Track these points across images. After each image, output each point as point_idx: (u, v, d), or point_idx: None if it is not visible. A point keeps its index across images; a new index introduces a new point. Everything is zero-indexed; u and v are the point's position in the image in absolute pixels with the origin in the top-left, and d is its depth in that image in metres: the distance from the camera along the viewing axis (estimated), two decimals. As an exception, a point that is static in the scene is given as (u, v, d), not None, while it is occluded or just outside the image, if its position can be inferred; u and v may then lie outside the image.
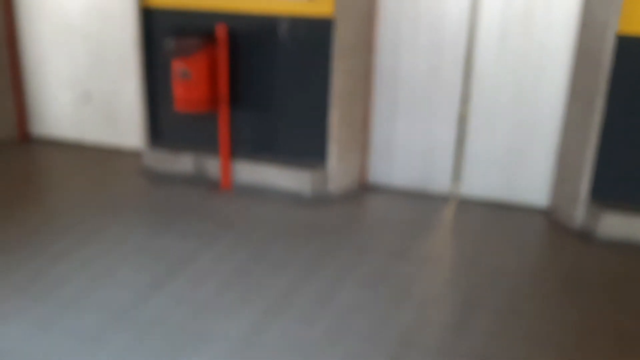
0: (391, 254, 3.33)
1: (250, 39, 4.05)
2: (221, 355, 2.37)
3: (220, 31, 3.89)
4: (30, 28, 5.01)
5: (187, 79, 3.89)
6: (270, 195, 4.12)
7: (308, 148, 4.15)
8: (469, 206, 4.10)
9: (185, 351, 2.40)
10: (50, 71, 5.05)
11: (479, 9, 3.85)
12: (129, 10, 4.55)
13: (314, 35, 3.89)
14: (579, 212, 3.68)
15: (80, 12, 4.81)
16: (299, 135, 4.16)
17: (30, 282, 2.87)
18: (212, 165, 4.26)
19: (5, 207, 3.77)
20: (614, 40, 3.37)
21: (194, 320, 2.61)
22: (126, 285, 2.89)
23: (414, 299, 2.85)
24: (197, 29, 4.02)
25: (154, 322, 2.59)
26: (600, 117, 3.51)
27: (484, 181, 4.14)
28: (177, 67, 3.89)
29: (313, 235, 3.53)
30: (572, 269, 3.23)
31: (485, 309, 2.80)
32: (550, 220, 3.88)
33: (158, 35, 4.19)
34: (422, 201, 4.15)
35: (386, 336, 2.54)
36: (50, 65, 5.03)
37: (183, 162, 4.34)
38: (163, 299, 2.78)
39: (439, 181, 4.23)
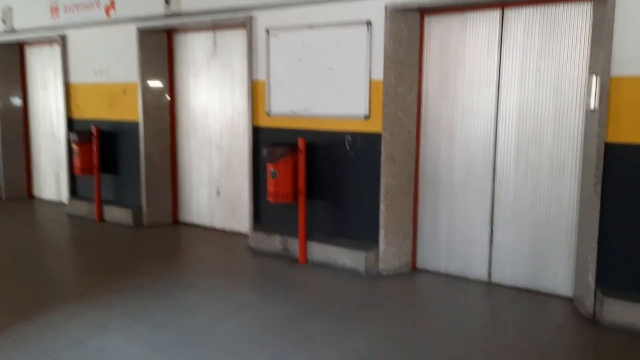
0: (406, 323, 4.10)
1: (323, 148, 5.32)
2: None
3: (301, 143, 5.22)
4: (183, 141, 6.93)
5: (276, 178, 5.24)
6: (334, 270, 5.14)
7: (365, 234, 5.15)
8: (501, 291, 4.67)
9: None
10: (195, 173, 6.86)
11: (499, 130, 4.69)
12: (247, 128, 6.17)
13: (369, 146, 5.03)
14: (589, 300, 4.09)
15: (218, 130, 6.59)
16: (358, 223, 5.20)
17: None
18: (294, 245, 5.44)
19: (152, 261, 5.32)
20: (603, 147, 3.97)
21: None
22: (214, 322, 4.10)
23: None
24: (286, 141, 5.41)
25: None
26: (599, 215, 4.02)
27: (514, 270, 4.70)
28: (269, 168, 5.27)
29: (354, 304, 4.45)
30: (573, 348, 3.69)
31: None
32: (572, 308, 4.29)
33: (262, 146, 5.68)
34: (459, 284, 4.82)
35: (362, 366, 3.35)
36: (195, 169, 6.85)
37: (274, 242, 5.60)
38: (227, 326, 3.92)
39: (476, 268, 4.88)
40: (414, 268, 5.22)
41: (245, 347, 3.61)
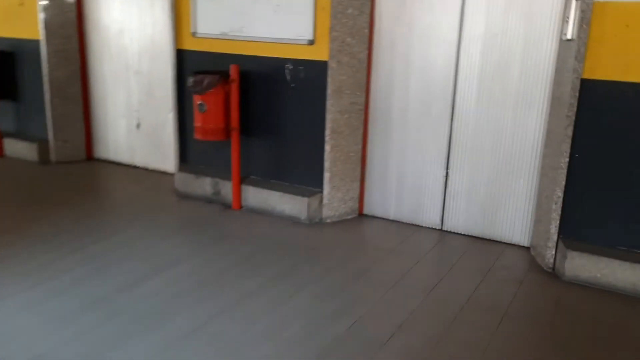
0: (353, 274, 3.63)
1: (260, 78, 4.60)
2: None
3: (233, 70, 4.47)
4: (95, 65, 5.97)
5: (204, 111, 4.50)
6: (272, 217, 4.58)
7: (307, 177, 4.58)
8: (455, 240, 4.29)
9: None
10: (110, 102, 5.95)
11: (461, 61, 4.13)
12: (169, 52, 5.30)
13: (313, 76, 4.36)
14: (549, 252, 3.76)
15: (137, 52, 5.68)
16: (299, 165, 4.61)
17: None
18: (226, 188, 4.81)
19: (60, 206, 4.55)
20: (579, 84, 3.51)
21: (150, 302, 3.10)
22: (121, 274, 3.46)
23: (353, 315, 3.14)
24: (216, 68, 4.63)
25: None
26: (567, 161, 3.62)
27: (469, 217, 4.32)
28: (196, 101, 4.52)
29: (293, 252, 3.93)
30: (528, 303, 3.34)
31: (416, 330, 3.02)
32: (530, 259, 3.97)
33: (188, 74, 4.88)
34: (410, 231, 4.40)
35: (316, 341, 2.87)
36: (111, 97, 5.94)
37: (203, 185, 4.94)
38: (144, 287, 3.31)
39: (428, 214, 4.47)
40: (361, 214, 4.74)
41: (173, 311, 3.04)
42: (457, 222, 4.38)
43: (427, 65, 4.26)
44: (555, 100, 3.77)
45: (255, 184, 4.74)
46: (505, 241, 4.22)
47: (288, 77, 4.48)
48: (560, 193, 3.67)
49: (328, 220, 4.55)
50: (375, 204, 4.69)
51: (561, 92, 3.66)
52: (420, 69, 4.29)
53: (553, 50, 3.81)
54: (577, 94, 3.52)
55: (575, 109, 3.54)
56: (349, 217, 4.66)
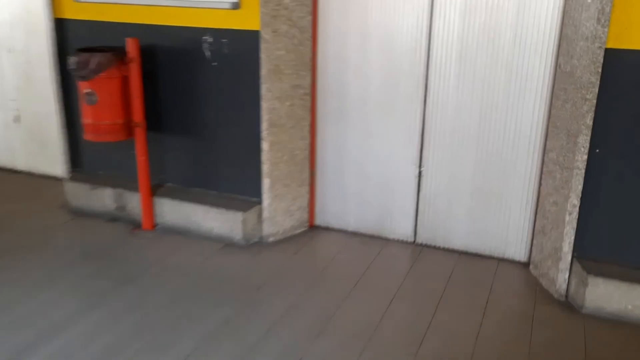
0: (310, 329, 2.64)
1: (170, 56, 3.44)
2: None
3: (132, 46, 3.28)
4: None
5: (94, 103, 3.31)
6: (196, 239, 3.50)
7: (241, 185, 3.51)
8: (432, 255, 3.37)
9: None
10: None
11: (435, 26, 3.13)
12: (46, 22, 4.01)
13: (241, 51, 3.25)
14: (562, 276, 2.90)
15: (8, 23, 4.32)
16: (230, 169, 3.52)
17: None
18: (133, 202, 3.66)
19: None
20: (602, 56, 2.60)
21: None
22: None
23: None
24: (108, 44, 3.42)
25: None
26: (586, 158, 2.74)
27: (450, 227, 3.40)
28: (82, 89, 3.31)
29: (225, 295, 2.88)
30: (549, 352, 2.47)
31: None
32: (532, 280, 3.12)
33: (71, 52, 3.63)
34: (375, 247, 3.44)
35: None
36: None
37: (102, 197, 3.76)
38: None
39: (398, 225, 3.52)
40: (312, 226, 3.74)
41: None
42: (434, 232, 3.47)
43: (391, 32, 3.24)
44: (563, 76, 2.86)
45: (173, 194, 3.62)
46: (496, 255, 3.35)
47: (207, 54, 3.34)
48: (576, 200, 2.79)
49: (270, 239, 3.51)
50: (330, 213, 3.69)
51: (573, 65, 2.75)
52: (382, 37, 3.26)
53: (559, 9, 2.89)
54: (599, 70, 2.62)
55: (596, 89, 2.64)
56: (298, 231, 3.65)
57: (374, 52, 3.30)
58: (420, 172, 3.40)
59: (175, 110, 3.54)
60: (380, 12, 3.23)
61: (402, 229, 3.52)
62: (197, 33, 3.32)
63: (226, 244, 3.44)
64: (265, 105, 3.26)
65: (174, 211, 3.58)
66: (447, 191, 3.36)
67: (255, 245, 3.46)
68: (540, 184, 3.11)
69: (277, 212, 3.50)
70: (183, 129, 3.55)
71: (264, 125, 3.30)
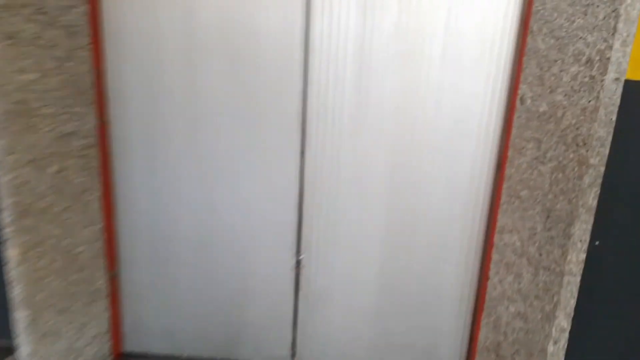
0: None
1: None
2: None
3: None
4: None
5: None
6: None
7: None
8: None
9: None
10: None
11: (313, 27, 1.82)
12: None
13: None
14: None
15: None
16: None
17: None
18: None
19: None
20: (621, 90, 1.53)
21: None
22: None
23: None
24: None
25: None
26: (584, 255, 1.67)
27: (347, 338, 2.17)
28: None
29: None
30: None
31: None
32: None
33: None
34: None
35: None
36: None
37: None
38: None
39: (267, 342, 2.19)
40: (118, 356, 2.22)
41: None
42: (323, 349, 2.21)
43: (242, 36, 1.85)
44: (531, 119, 1.75)
45: None
46: (417, 380, 2.20)
47: None
48: (565, 322, 1.73)
49: (41, 411, 1.93)
50: (149, 332, 2.21)
51: (554, 104, 1.66)
52: (226, 45, 1.86)
53: (519, 3, 1.77)
54: (612, 117, 1.55)
55: (607, 149, 1.57)
56: (94, 378, 2.11)
57: (211, 70, 1.87)
58: (298, 261, 2.10)
59: None
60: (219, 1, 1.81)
61: (272, 348, 2.20)
62: None
63: None
64: (5, 179, 1.66)
65: None
66: (342, 287, 2.11)
67: None
68: (481, 275, 2.01)
69: (49, 357, 1.92)
70: None
71: (8, 216, 1.69)
